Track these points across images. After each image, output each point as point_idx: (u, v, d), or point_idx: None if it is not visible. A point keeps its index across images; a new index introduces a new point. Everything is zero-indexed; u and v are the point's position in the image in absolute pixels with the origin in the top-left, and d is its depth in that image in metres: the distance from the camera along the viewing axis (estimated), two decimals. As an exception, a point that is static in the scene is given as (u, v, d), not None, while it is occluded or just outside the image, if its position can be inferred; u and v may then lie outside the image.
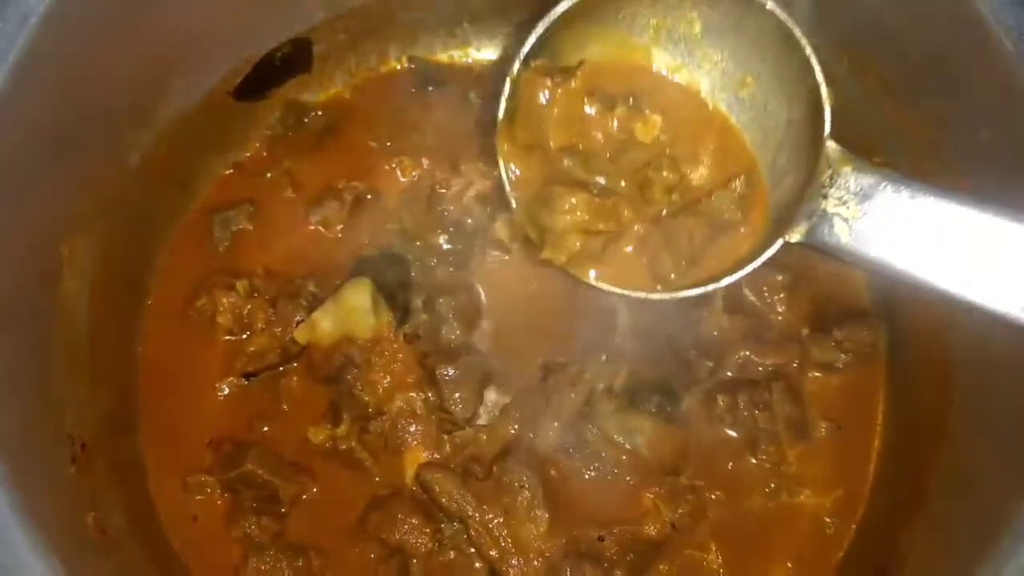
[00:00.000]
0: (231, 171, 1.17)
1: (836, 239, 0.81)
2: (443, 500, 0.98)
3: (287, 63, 1.14)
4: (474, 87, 1.20)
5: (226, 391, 1.07)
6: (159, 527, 1.00)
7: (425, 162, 1.16)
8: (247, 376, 1.07)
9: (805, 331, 1.08)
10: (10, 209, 0.79)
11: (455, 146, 1.18)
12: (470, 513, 0.97)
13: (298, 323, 1.06)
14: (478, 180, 1.15)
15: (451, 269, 1.12)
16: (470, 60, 1.24)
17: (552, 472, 0.99)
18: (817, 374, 1.07)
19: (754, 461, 1.03)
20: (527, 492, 0.97)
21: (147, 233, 1.09)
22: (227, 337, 1.08)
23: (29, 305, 0.83)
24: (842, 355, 1.05)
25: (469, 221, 1.13)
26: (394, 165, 1.16)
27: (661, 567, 0.98)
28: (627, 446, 0.99)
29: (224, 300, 1.08)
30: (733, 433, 1.03)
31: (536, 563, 0.96)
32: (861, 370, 1.07)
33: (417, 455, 1.02)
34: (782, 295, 1.08)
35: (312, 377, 1.06)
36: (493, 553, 0.96)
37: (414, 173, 1.16)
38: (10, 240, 0.80)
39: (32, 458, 0.74)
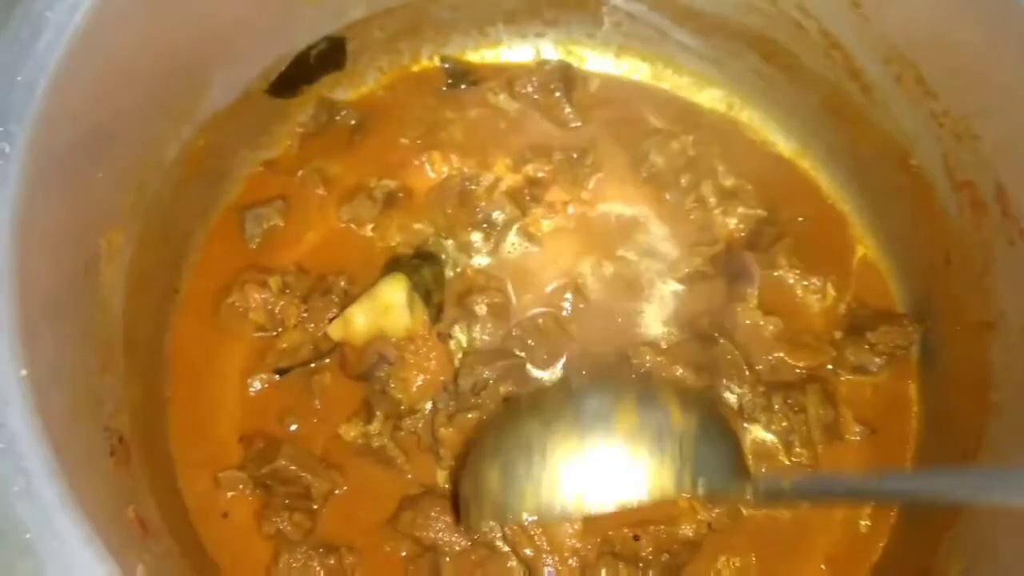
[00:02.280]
0: (263, 168, 1.17)
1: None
2: None
3: (321, 60, 1.14)
4: (506, 87, 1.21)
5: (257, 387, 1.06)
6: (189, 523, 0.99)
7: (455, 159, 1.17)
8: (279, 372, 1.07)
9: (838, 334, 1.08)
10: (56, 200, 0.79)
11: (486, 143, 1.18)
12: None
13: (331, 320, 1.06)
14: (508, 175, 1.16)
15: (484, 267, 1.12)
16: (502, 60, 1.24)
17: None
18: (851, 377, 1.06)
19: (788, 463, 1.02)
20: None
21: (180, 229, 1.08)
22: (259, 333, 1.08)
23: (71, 296, 0.83)
24: (876, 358, 1.05)
25: (501, 217, 1.13)
26: (424, 160, 1.16)
27: (696, 569, 0.97)
28: None
29: (256, 296, 1.07)
30: (767, 434, 1.03)
31: (571, 562, 0.96)
32: (895, 374, 1.06)
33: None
34: (816, 297, 1.09)
35: (345, 374, 1.06)
36: (528, 552, 0.96)
37: (444, 169, 1.16)
38: (57, 230, 0.79)
39: (76, 449, 0.74)
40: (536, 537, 0.96)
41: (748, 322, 1.06)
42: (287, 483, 1.00)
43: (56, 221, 0.79)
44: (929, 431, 1.05)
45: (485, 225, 1.13)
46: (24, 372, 0.70)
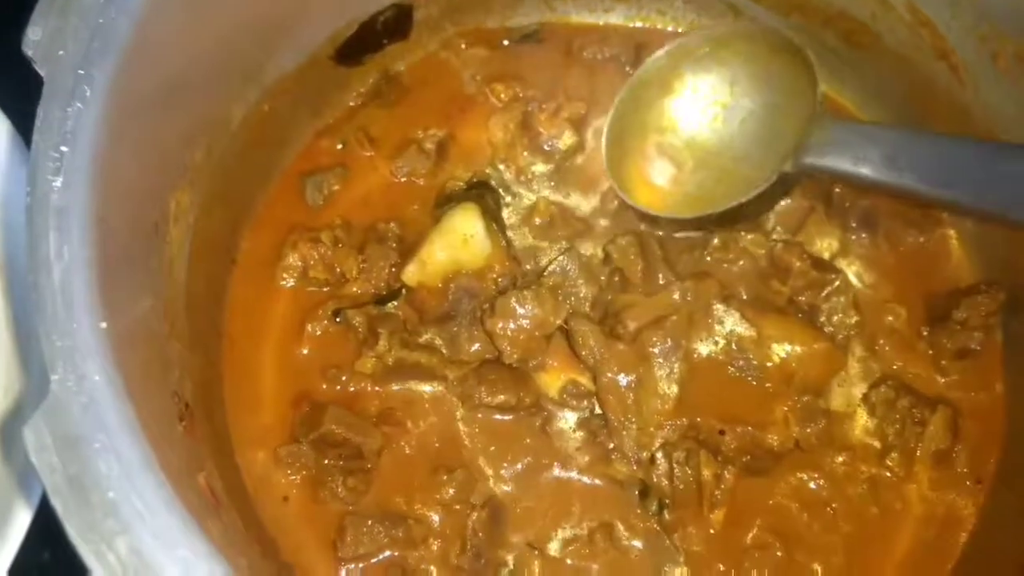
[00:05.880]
0: (321, 135, 1.13)
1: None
2: (583, 351, 0.96)
3: (387, 28, 1.11)
4: (575, 49, 1.17)
5: (317, 333, 1.02)
6: (249, 501, 0.95)
7: (519, 90, 1.14)
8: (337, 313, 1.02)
9: (925, 330, 1.03)
10: (131, 151, 0.76)
11: (549, 80, 1.15)
12: (603, 365, 0.95)
13: (391, 267, 1.03)
14: (568, 104, 1.13)
15: (551, 193, 1.10)
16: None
17: (695, 356, 0.98)
18: (959, 364, 1.01)
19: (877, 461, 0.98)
20: (665, 367, 0.96)
21: (242, 195, 1.05)
22: (322, 288, 1.04)
23: (143, 255, 0.80)
24: (973, 334, 1.00)
25: (560, 144, 1.11)
26: (487, 92, 1.14)
27: (773, 483, 0.95)
28: (780, 352, 0.97)
29: (312, 253, 1.03)
30: (870, 421, 0.99)
31: (652, 431, 0.95)
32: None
33: (555, 376, 0.99)
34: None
35: (422, 321, 1.02)
36: (616, 413, 0.95)
37: (503, 96, 1.14)
38: (131, 183, 0.76)
39: (152, 409, 0.70)
40: (627, 400, 0.95)
41: None
42: (337, 446, 0.96)
43: (130, 174, 0.76)
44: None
45: (547, 147, 1.11)
46: (104, 324, 0.66)
